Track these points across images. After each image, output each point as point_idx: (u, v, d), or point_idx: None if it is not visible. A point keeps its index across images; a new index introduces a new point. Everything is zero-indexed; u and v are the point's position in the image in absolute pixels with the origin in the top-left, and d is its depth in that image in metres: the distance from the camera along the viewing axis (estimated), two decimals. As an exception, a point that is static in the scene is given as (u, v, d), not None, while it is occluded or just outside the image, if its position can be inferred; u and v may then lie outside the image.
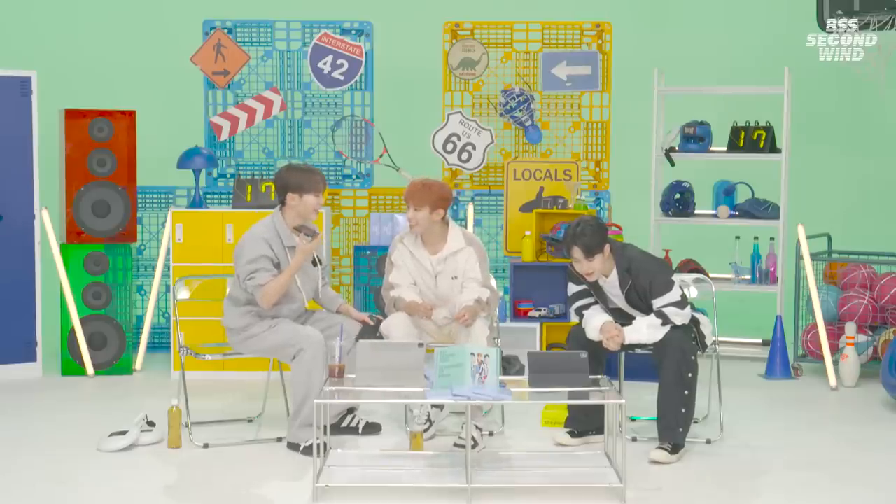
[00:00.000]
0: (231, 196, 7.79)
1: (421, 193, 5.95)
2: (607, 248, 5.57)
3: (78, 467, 5.41)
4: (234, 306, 5.85)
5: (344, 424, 5.96)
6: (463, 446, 5.31)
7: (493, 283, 6.21)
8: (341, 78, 8.16)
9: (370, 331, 5.88)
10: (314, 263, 5.97)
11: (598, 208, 8.25)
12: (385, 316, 6.03)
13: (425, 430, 5.81)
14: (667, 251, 8.02)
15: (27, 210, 7.32)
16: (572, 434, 5.79)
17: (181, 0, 9.41)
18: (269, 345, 5.78)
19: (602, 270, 5.61)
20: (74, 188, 7.37)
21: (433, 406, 5.92)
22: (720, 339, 6.54)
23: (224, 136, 8.13)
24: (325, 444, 5.26)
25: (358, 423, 5.97)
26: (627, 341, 5.60)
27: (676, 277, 5.71)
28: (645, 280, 5.58)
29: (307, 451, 5.52)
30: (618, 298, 5.69)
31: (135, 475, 5.31)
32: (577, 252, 5.54)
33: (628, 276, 5.60)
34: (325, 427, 5.21)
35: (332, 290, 6.21)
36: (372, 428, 5.99)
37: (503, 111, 8.30)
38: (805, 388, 7.22)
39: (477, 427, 5.69)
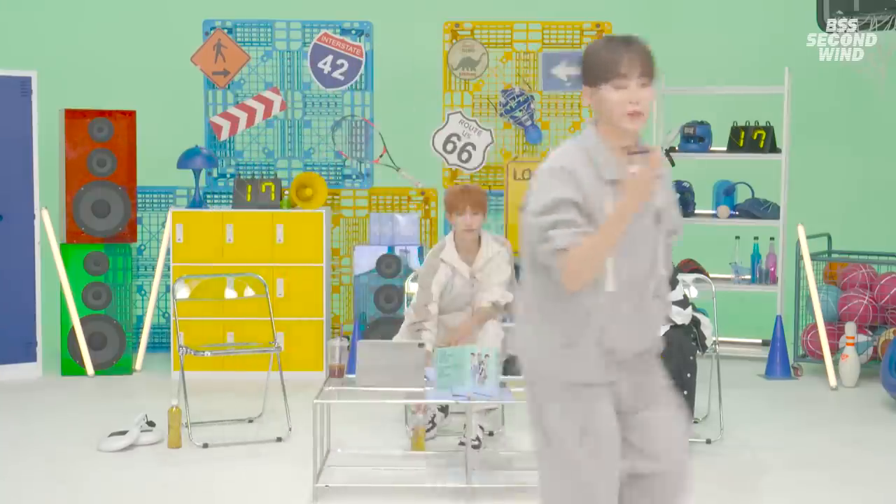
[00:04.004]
0: (231, 196, 7.79)
1: (483, 198, 5.91)
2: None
3: (78, 467, 5.41)
4: (537, 312, 3.24)
5: None
6: (472, 445, 5.28)
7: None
8: (341, 78, 8.16)
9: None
10: (656, 219, 3.24)
11: (598, 208, 8.23)
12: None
13: (427, 430, 5.80)
14: (667, 251, 8.01)
15: (27, 210, 7.32)
16: (572, 434, 5.77)
17: (181, 0, 9.40)
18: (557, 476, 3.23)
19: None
20: (74, 188, 7.37)
21: (439, 410, 5.92)
22: (720, 339, 6.54)
23: (224, 136, 8.13)
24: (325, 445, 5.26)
25: None
26: (628, 341, 5.58)
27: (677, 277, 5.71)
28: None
29: None
30: (618, 298, 5.67)
31: (135, 475, 5.31)
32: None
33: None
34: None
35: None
36: None
37: (503, 111, 8.30)
38: (805, 388, 7.22)
39: (481, 427, 5.67)
